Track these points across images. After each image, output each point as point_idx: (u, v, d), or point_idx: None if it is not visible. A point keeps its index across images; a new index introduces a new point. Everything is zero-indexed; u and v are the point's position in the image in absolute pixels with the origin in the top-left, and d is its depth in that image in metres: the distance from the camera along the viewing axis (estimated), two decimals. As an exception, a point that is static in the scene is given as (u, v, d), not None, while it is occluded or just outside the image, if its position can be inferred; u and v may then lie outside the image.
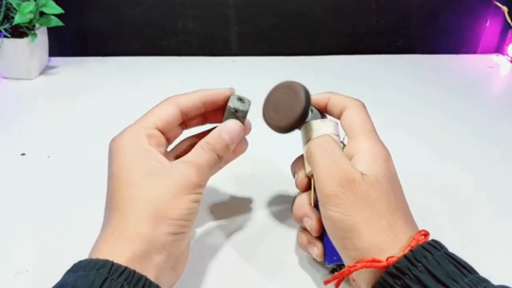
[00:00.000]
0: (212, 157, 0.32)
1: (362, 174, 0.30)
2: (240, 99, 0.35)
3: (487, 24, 0.82)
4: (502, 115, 0.63)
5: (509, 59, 0.80)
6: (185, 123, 0.36)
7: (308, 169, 0.34)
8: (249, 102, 0.35)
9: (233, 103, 0.34)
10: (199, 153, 0.32)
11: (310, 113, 0.34)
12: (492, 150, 0.55)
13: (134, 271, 0.25)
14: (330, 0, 0.78)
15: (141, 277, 0.26)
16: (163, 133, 0.33)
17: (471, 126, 0.59)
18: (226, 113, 0.35)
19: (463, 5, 0.80)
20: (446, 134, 0.58)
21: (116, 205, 0.29)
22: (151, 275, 0.27)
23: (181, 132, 0.36)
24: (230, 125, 0.34)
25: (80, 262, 0.26)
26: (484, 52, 0.84)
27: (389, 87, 0.70)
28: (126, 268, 0.25)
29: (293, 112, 0.32)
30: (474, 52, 0.84)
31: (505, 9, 0.79)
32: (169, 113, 0.33)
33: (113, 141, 0.32)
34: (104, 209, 0.30)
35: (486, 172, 0.50)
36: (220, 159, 0.33)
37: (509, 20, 0.79)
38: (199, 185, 0.30)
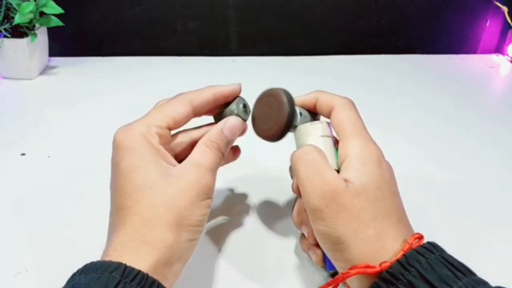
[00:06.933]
0: (218, 156, 0.31)
1: (348, 181, 0.29)
2: (245, 106, 0.34)
3: (487, 24, 0.82)
4: (502, 115, 0.63)
5: (509, 59, 0.80)
6: None
7: (293, 180, 0.34)
8: (250, 111, 0.35)
9: (238, 109, 0.34)
10: (207, 154, 0.31)
11: (299, 117, 0.34)
12: (492, 150, 0.54)
13: (147, 275, 0.25)
14: (330, 0, 0.78)
15: (154, 281, 0.25)
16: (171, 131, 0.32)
17: (471, 126, 0.59)
18: (226, 111, 0.34)
19: (463, 5, 0.80)
20: (446, 133, 0.58)
21: (134, 208, 0.28)
22: (170, 282, 0.27)
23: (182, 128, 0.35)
24: (231, 121, 0.33)
25: (91, 264, 0.26)
26: (484, 52, 0.84)
27: (389, 87, 0.70)
28: (139, 271, 0.25)
29: (278, 120, 0.32)
30: (474, 52, 0.84)
31: (505, 9, 0.79)
32: (182, 112, 0.32)
33: (121, 134, 0.30)
34: (115, 208, 0.29)
35: (486, 172, 0.50)
36: (223, 157, 0.32)
37: (509, 20, 0.79)
38: (212, 188, 0.30)
